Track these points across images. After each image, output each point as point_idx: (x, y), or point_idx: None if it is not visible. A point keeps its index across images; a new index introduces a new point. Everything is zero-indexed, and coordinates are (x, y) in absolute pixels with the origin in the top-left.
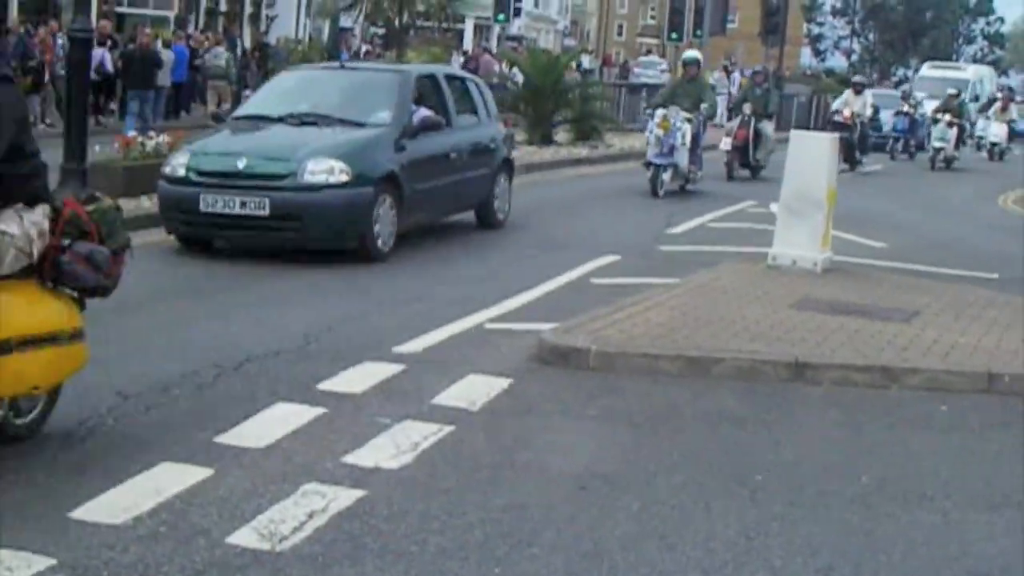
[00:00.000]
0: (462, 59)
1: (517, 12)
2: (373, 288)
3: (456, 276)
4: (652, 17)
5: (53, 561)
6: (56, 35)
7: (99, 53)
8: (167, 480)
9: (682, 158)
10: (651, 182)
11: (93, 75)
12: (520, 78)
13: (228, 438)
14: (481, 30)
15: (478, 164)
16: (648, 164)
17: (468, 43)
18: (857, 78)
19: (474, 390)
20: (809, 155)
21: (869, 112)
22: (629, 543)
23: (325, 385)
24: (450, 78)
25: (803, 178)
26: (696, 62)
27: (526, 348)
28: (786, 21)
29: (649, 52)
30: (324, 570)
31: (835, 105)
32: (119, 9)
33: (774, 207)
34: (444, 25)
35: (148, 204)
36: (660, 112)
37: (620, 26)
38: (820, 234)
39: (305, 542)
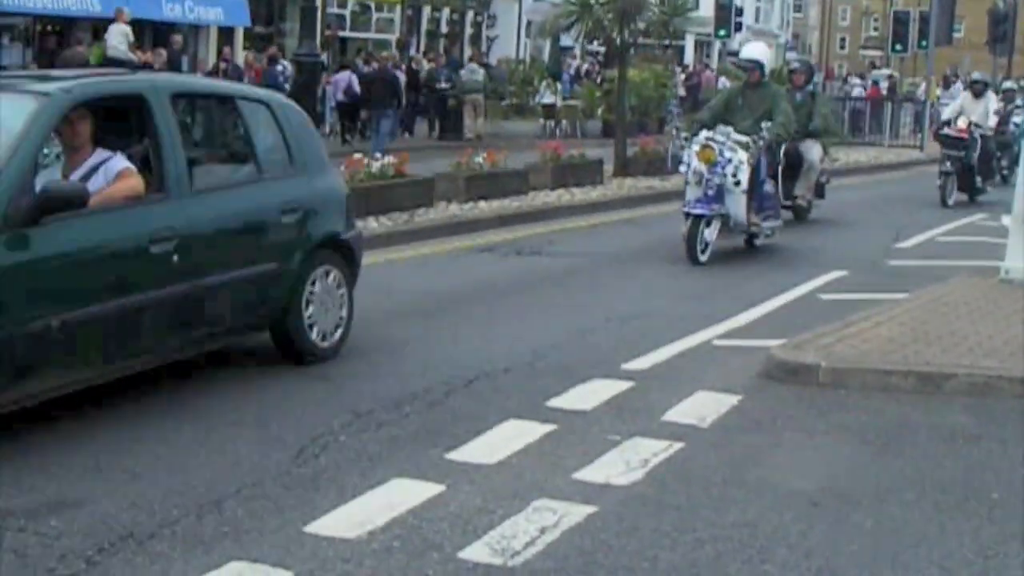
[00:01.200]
0: (683, 76)
1: (739, 27)
2: (596, 305)
3: (682, 292)
4: (875, 29)
5: (290, 574)
6: (277, 60)
7: (345, 76)
8: (399, 496)
9: (736, 205)
10: (687, 242)
11: (342, 97)
12: None
13: (459, 455)
14: (702, 46)
15: (251, 255)
16: (686, 214)
17: (689, 59)
18: (976, 75)
19: (703, 407)
20: None
21: (993, 121)
22: (862, 561)
23: (555, 402)
24: (188, 97)
25: None
26: (758, 64)
27: (755, 364)
28: (1015, 28)
29: (874, 66)
30: None
31: (946, 114)
32: (342, 34)
33: (1006, 220)
34: (665, 42)
35: (375, 225)
36: (703, 135)
37: (843, 39)
38: None
39: (537, 557)
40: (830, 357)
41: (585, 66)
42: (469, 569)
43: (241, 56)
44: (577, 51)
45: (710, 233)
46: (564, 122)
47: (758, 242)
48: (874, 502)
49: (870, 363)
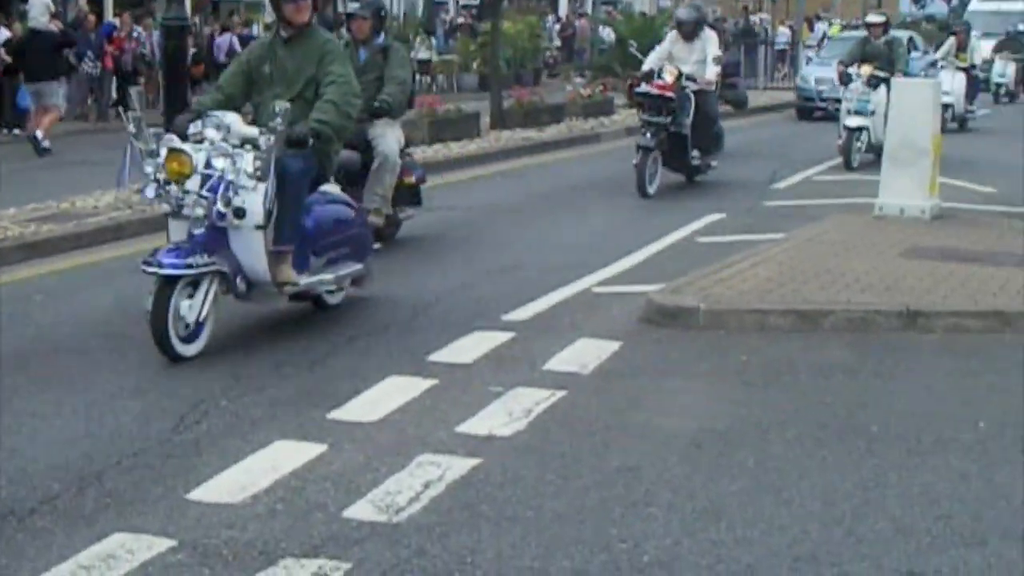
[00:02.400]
0: (558, 26)
1: None
2: (476, 258)
3: (561, 241)
4: None
5: (173, 542)
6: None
7: (227, 39)
8: (282, 458)
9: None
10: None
11: (224, 59)
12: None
13: (341, 414)
14: None
15: None
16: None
17: (563, 10)
18: (683, 14)
19: (584, 354)
20: (913, 103)
21: (713, 72)
22: (746, 499)
23: (436, 356)
24: None
25: (907, 126)
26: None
27: (635, 310)
28: None
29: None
30: (442, 539)
31: (647, 63)
32: None
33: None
34: None
35: None
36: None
37: None
38: (927, 182)
39: (422, 512)
40: (709, 299)
41: (459, 20)
42: (354, 528)
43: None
44: (451, 5)
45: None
46: (440, 77)
47: None
48: (756, 440)
49: (748, 303)
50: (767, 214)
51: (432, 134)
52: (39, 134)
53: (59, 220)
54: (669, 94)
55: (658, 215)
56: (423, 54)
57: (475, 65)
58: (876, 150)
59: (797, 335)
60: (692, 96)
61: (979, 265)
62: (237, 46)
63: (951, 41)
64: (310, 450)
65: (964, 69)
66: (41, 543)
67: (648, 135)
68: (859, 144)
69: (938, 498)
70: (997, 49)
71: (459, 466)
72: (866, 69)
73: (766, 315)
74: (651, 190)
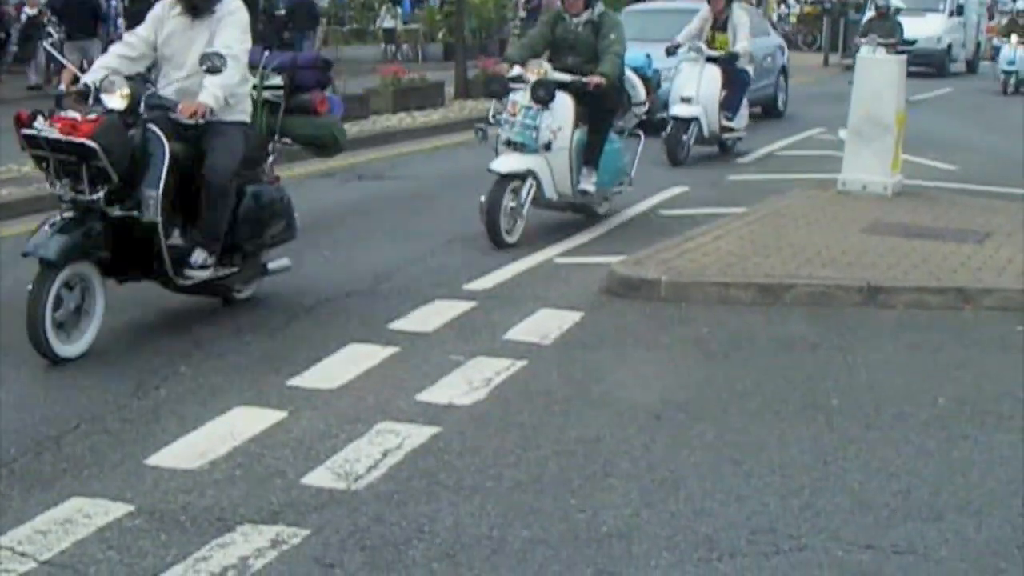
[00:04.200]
0: None
1: None
2: (438, 228)
3: None
4: None
5: (131, 507)
6: None
7: None
8: (241, 424)
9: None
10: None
11: None
12: None
13: (301, 380)
14: None
15: None
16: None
17: None
18: None
19: (545, 324)
20: (877, 79)
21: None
22: (705, 471)
23: (397, 324)
24: None
25: (871, 102)
26: None
27: (597, 281)
28: None
29: None
30: (400, 507)
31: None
32: None
33: (843, 133)
34: None
35: None
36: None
37: None
38: (890, 158)
39: (380, 480)
40: (671, 271)
41: None
42: (312, 495)
43: None
44: None
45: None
46: (405, 46)
47: None
48: (716, 413)
49: (710, 276)
50: (731, 188)
51: (396, 103)
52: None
53: (21, 184)
54: (82, 140)
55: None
56: (388, 23)
57: (440, 35)
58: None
59: (758, 308)
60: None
61: (940, 242)
62: None
63: (702, 13)
64: (269, 417)
65: (718, 59)
66: None
67: None
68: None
69: (896, 472)
70: (1005, 31)
71: (418, 434)
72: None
73: (728, 288)
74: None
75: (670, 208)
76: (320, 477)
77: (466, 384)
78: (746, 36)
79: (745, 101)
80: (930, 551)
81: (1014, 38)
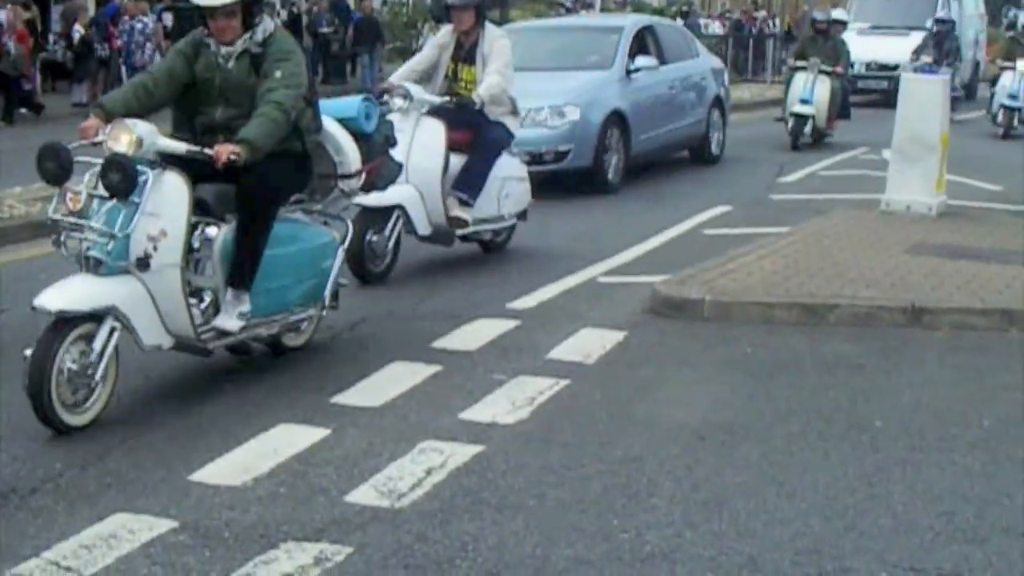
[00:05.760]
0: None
1: None
2: (477, 248)
3: (566, 231)
4: None
5: (175, 523)
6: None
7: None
8: (285, 441)
9: None
10: None
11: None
12: None
13: (344, 398)
14: None
15: None
16: None
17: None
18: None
19: (589, 344)
20: (922, 99)
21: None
22: (749, 492)
23: (440, 343)
24: None
25: (916, 122)
26: None
27: (640, 300)
28: None
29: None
30: (443, 525)
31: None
32: None
33: (887, 153)
34: None
35: None
36: None
37: None
38: (934, 178)
39: (424, 498)
40: (714, 291)
41: None
42: (356, 512)
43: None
44: None
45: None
46: None
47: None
48: (760, 433)
49: (754, 296)
50: (773, 207)
51: None
52: None
53: None
54: None
55: (664, 206)
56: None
57: None
58: None
59: (802, 328)
60: None
61: (985, 263)
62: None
63: (440, 36)
64: (313, 434)
65: (447, 110)
66: (42, 522)
67: None
68: None
69: (941, 494)
70: (1005, 54)
71: (462, 453)
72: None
73: (771, 308)
74: None
75: (713, 227)
76: (364, 495)
77: (509, 403)
78: (500, 71)
79: (510, 172)
80: (975, 573)
81: (1021, 63)
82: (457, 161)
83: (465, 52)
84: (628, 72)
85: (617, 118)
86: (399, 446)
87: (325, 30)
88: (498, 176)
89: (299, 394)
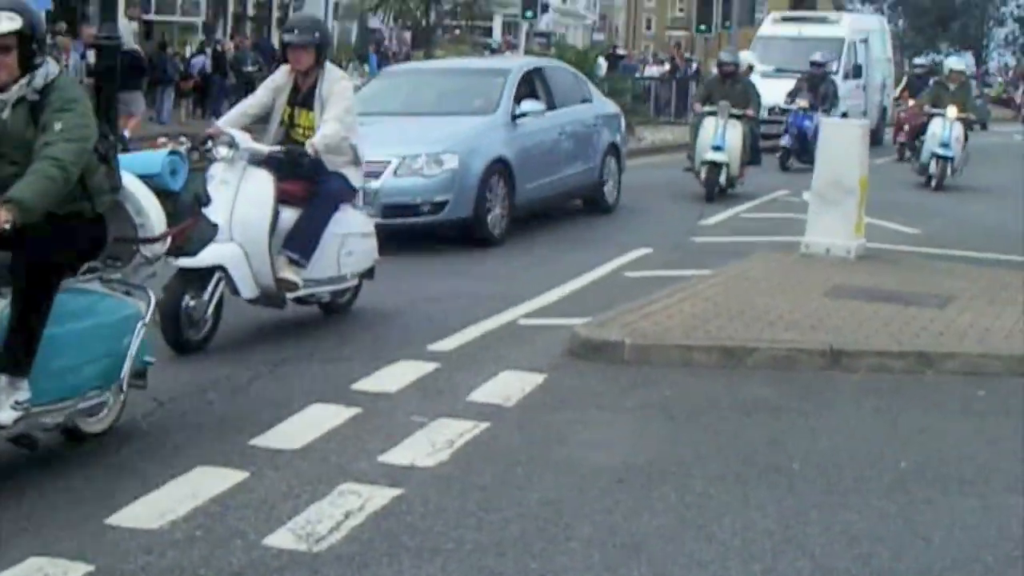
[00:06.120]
0: (490, 55)
1: (545, 8)
2: (403, 287)
3: (486, 272)
4: (681, 10)
5: (90, 567)
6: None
7: (201, 60)
8: (203, 484)
9: None
10: None
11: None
12: None
13: (264, 440)
14: (510, 27)
15: None
16: None
17: (498, 39)
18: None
19: (508, 386)
20: (841, 143)
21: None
22: (667, 535)
23: (360, 385)
24: None
25: (835, 166)
26: None
27: (560, 343)
28: (815, 9)
29: (679, 46)
30: (361, 569)
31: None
32: (146, 17)
33: (806, 196)
34: (472, 23)
35: None
36: None
37: (649, 20)
38: (853, 221)
39: (342, 542)
40: (634, 334)
41: (393, 48)
42: (273, 556)
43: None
44: (385, 32)
45: None
46: None
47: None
48: (679, 476)
49: (673, 339)
50: (694, 250)
51: None
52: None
53: None
54: None
55: (586, 249)
56: (356, 81)
57: None
58: None
59: (721, 371)
60: None
61: (902, 305)
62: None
63: (275, 77)
64: (231, 477)
65: (278, 160)
66: None
67: None
68: None
69: (858, 537)
70: (933, 100)
71: (380, 496)
72: None
73: (691, 351)
74: None
75: (634, 270)
76: (281, 538)
77: (429, 445)
78: (339, 117)
79: (351, 227)
80: None
81: (952, 110)
82: (290, 216)
83: (303, 95)
84: (514, 117)
85: (501, 166)
86: (318, 489)
87: (249, 69)
88: (337, 233)
89: (218, 436)
